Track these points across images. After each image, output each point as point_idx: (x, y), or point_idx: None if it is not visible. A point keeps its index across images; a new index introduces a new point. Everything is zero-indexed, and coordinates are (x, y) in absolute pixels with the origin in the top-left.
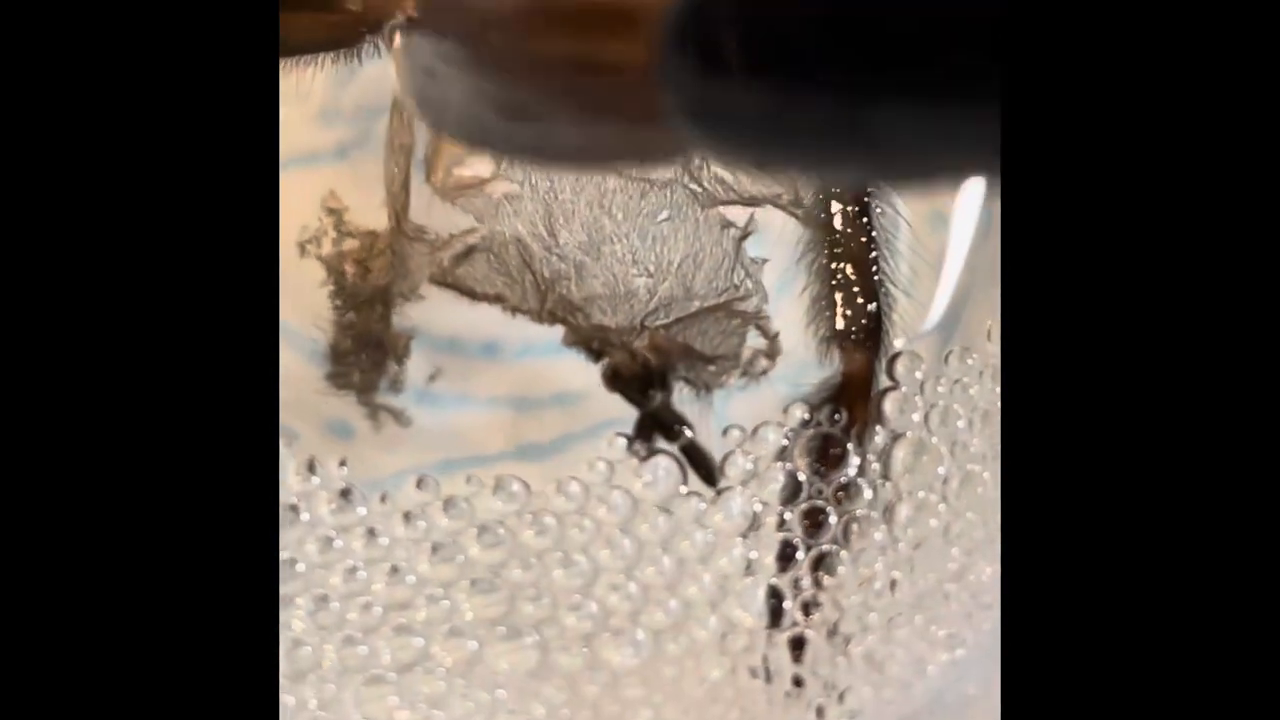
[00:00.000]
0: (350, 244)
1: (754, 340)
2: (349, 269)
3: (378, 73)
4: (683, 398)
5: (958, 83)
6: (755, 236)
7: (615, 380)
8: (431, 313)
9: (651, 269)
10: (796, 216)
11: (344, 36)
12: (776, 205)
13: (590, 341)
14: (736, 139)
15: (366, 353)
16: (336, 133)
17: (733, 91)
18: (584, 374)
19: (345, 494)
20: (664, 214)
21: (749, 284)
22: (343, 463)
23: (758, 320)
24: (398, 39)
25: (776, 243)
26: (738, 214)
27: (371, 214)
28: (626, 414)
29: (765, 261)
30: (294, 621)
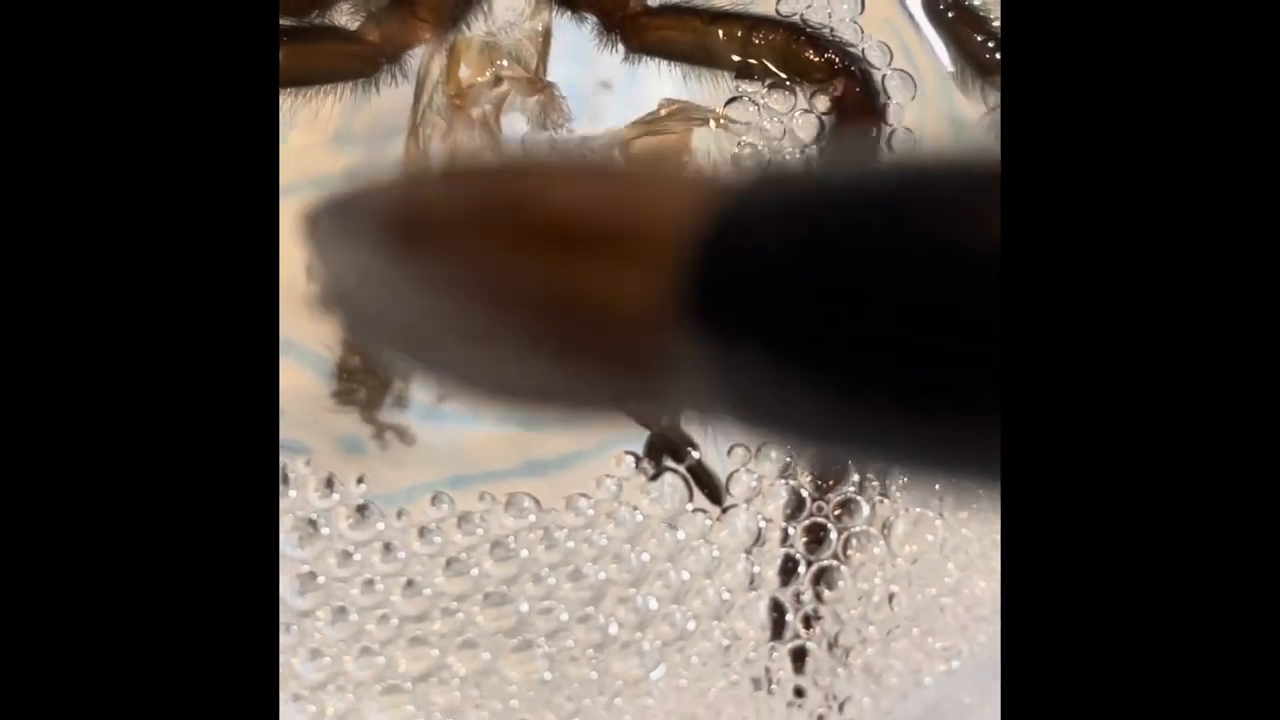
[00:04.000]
0: None
1: None
2: None
3: (391, 96)
4: (690, 418)
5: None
6: None
7: None
8: None
9: None
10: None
11: (363, 66)
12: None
13: None
14: (751, 401)
15: (373, 370)
16: (349, 157)
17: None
18: None
19: (363, 510)
20: None
21: None
22: (360, 480)
23: None
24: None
25: None
26: None
27: None
28: (631, 431)
29: None
30: (314, 632)
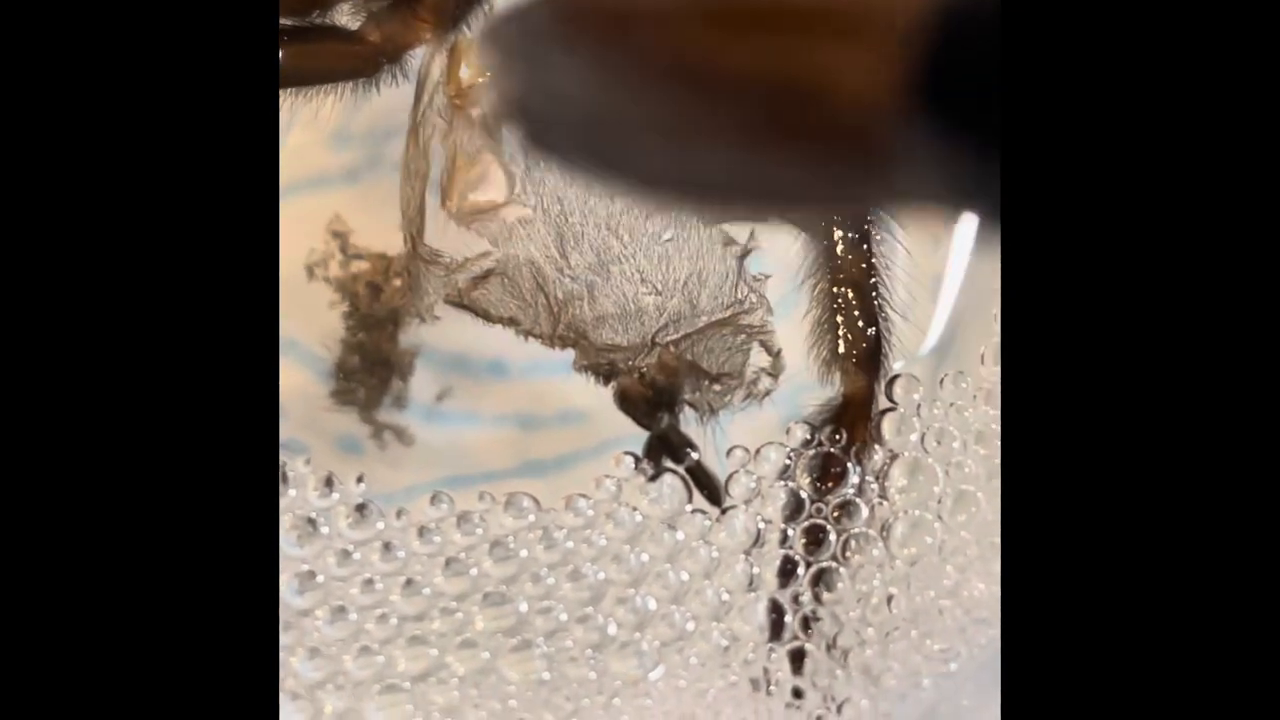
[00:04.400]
0: (360, 266)
1: (757, 359)
2: (361, 291)
3: (391, 96)
4: (689, 419)
5: None
6: (757, 254)
7: (624, 403)
8: (439, 331)
9: (659, 287)
10: (805, 232)
11: (364, 66)
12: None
13: (600, 366)
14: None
15: (372, 370)
16: (347, 156)
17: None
18: (590, 393)
19: (362, 509)
20: (669, 233)
21: (753, 298)
22: (360, 479)
23: (762, 334)
24: (495, 30)
25: (777, 263)
26: (740, 231)
27: (380, 236)
28: (630, 433)
29: (768, 277)
30: (313, 631)
